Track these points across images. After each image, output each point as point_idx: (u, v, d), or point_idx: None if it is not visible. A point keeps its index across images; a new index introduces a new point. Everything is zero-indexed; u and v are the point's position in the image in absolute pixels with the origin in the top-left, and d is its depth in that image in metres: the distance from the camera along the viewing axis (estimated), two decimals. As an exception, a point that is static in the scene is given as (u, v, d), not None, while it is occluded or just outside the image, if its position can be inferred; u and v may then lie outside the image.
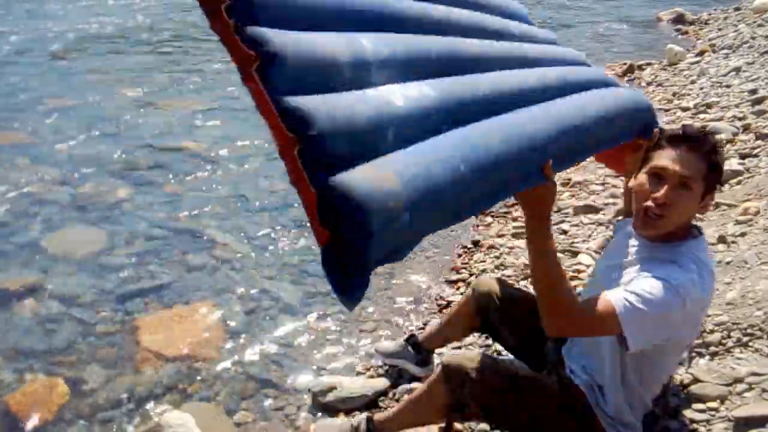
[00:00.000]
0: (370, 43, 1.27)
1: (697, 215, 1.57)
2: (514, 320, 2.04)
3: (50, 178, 4.14)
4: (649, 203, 1.47)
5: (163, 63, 6.99)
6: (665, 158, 1.47)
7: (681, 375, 1.99)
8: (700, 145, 1.46)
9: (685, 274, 1.42)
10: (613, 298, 1.41)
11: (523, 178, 1.42)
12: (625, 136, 1.82)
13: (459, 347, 2.47)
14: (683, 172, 1.44)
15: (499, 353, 2.33)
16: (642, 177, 1.52)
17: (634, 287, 1.42)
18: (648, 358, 1.55)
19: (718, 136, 3.98)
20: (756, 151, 3.64)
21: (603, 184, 3.86)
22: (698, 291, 1.43)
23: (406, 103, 1.24)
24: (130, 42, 7.90)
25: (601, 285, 1.56)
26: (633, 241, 1.62)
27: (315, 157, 1.07)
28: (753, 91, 4.64)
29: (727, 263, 2.46)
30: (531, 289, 2.74)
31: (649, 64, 6.92)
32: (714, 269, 1.52)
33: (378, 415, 2.00)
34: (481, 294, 2.11)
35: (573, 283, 2.75)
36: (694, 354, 2.08)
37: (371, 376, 2.42)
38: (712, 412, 1.83)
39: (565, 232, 3.34)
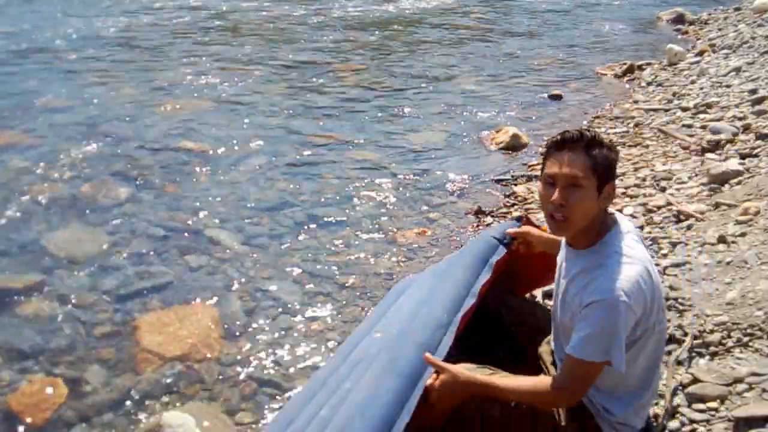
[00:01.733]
0: None
1: (606, 207, 1.62)
2: (511, 322, 2.05)
3: (50, 178, 4.14)
4: (550, 208, 1.57)
5: (163, 63, 6.99)
6: (551, 165, 1.58)
7: (681, 375, 1.99)
8: (578, 143, 1.55)
9: (614, 273, 1.50)
10: (573, 353, 1.52)
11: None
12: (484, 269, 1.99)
13: (457, 349, 2.46)
14: (568, 172, 1.53)
15: (498, 354, 2.33)
16: (540, 187, 1.63)
17: (584, 327, 1.51)
18: (631, 354, 1.57)
19: (718, 136, 3.98)
20: (756, 151, 3.64)
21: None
22: (631, 273, 1.49)
23: None
24: (130, 42, 7.90)
25: (556, 310, 1.72)
26: (566, 255, 1.70)
27: None
28: (753, 91, 4.64)
29: (727, 263, 2.46)
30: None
31: (649, 64, 6.92)
32: (638, 248, 1.57)
33: None
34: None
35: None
36: (694, 354, 2.07)
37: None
38: (712, 412, 1.83)
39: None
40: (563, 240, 1.75)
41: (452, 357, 1.77)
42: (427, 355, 1.64)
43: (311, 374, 2.25)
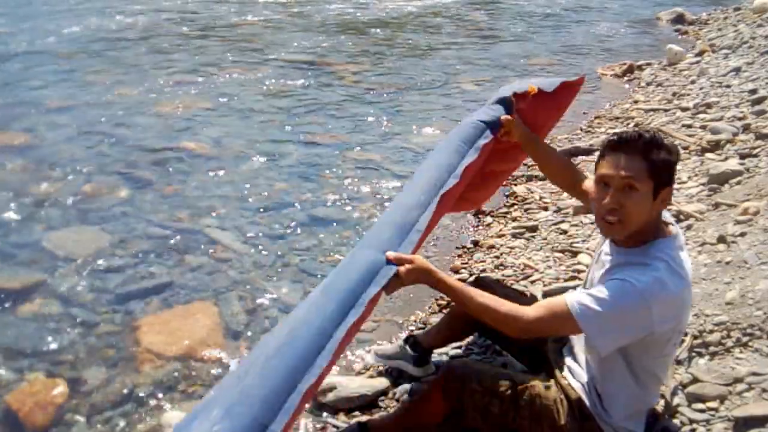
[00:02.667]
0: None
1: (661, 212, 1.59)
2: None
3: (50, 178, 4.14)
4: (602, 210, 1.53)
5: (163, 63, 6.99)
6: (606, 165, 1.53)
7: (681, 375, 1.99)
8: (636, 145, 1.50)
9: (652, 274, 1.45)
10: (568, 299, 1.50)
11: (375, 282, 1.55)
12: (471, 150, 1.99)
13: (459, 347, 2.47)
14: (624, 175, 1.49)
15: (499, 353, 2.34)
16: (593, 188, 1.59)
17: (592, 290, 1.49)
18: (635, 356, 1.56)
19: (717, 136, 3.98)
20: (756, 151, 3.63)
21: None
22: (668, 288, 1.44)
23: None
24: (130, 42, 7.91)
25: None
26: (608, 250, 1.65)
27: None
28: (753, 91, 4.64)
29: (727, 263, 2.46)
30: (530, 289, 2.76)
31: (649, 64, 6.92)
32: (687, 266, 1.53)
33: (373, 421, 2.00)
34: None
35: (573, 282, 2.76)
36: (694, 354, 2.08)
37: (371, 376, 2.42)
38: (712, 412, 1.83)
39: (564, 232, 3.34)
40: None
41: (458, 357, 1.78)
42: (389, 253, 1.61)
43: None
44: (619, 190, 1.50)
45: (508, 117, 2.07)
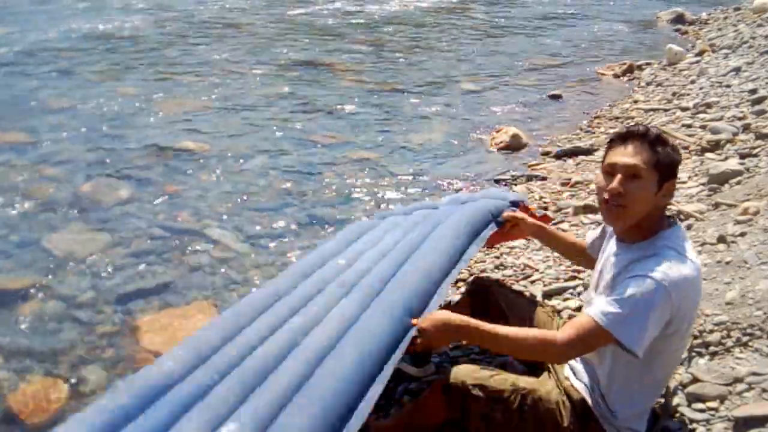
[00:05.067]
0: None
1: (664, 206, 1.61)
2: (513, 321, 2.04)
3: (50, 178, 4.14)
4: (606, 195, 1.56)
5: (164, 63, 6.99)
6: (613, 155, 1.58)
7: (681, 375, 1.99)
8: (644, 138, 1.55)
9: (664, 261, 1.47)
10: (592, 312, 1.49)
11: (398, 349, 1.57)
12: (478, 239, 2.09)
13: (458, 346, 2.47)
14: (630, 162, 1.53)
15: (500, 353, 2.34)
16: (599, 176, 1.62)
17: (611, 296, 1.49)
18: (645, 352, 1.55)
19: (717, 136, 3.98)
20: (756, 151, 3.63)
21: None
22: (682, 271, 1.46)
23: None
24: (130, 42, 7.91)
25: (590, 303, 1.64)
26: (615, 249, 1.66)
27: None
28: (753, 91, 4.64)
29: (727, 263, 2.46)
30: (530, 289, 2.76)
31: (648, 64, 6.93)
32: (694, 258, 1.54)
33: (373, 422, 2.00)
34: (480, 294, 2.12)
35: (573, 282, 2.76)
36: (694, 354, 2.07)
37: (371, 376, 2.42)
38: (712, 412, 1.82)
39: (564, 232, 3.34)
40: (612, 234, 1.71)
41: (453, 356, 1.78)
42: (414, 321, 1.64)
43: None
44: (624, 177, 1.53)
45: (519, 215, 2.17)
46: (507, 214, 2.19)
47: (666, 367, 1.63)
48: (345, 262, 1.99)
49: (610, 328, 1.45)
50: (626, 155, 1.54)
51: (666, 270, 1.44)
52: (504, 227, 2.19)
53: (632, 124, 1.62)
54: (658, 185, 1.53)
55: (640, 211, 1.54)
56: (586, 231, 3.28)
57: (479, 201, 2.31)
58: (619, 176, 1.53)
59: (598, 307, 1.49)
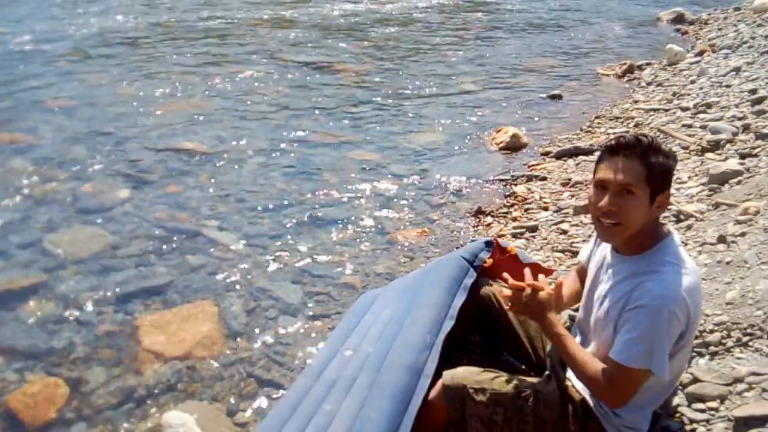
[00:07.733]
0: None
1: (659, 216, 1.60)
2: (513, 321, 2.05)
3: (51, 178, 4.14)
4: (598, 213, 1.55)
5: (164, 63, 6.99)
6: (604, 169, 1.55)
7: (681, 375, 1.99)
8: (635, 150, 1.51)
9: (663, 281, 1.48)
10: (615, 356, 1.51)
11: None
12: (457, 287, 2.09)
13: (459, 346, 2.46)
14: (621, 179, 1.50)
15: (500, 353, 2.33)
16: (591, 191, 1.60)
17: (623, 333, 1.50)
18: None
19: (717, 136, 3.98)
20: (756, 151, 3.63)
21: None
22: (682, 288, 1.47)
23: None
24: (130, 43, 7.91)
25: (589, 313, 1.71)
26: (611, 260, 1.66)
27: None
28: (753, 91, 4.64)
29: (727, 263, 2.46)
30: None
31: (649, 64, 6.93)
32: (692, 264, 1.56)
33: None
34: (481, 295, 2.11)
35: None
36: (694, 354, 2.07)
37: (371, 376, 2.42)
38: (712, 412, 1.83)
39: (564, 232, 3.33)
40: (608, 245, 1.70)
41: (454, 356, 1.78)
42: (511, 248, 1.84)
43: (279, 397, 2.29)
44: (616, 193, 1.51)
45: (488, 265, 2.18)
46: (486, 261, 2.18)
47: (675, 370, 1.64)
48: (352, 352, 2.02)
49: (642, 366, 1.47)
50: (617, 171, 1.51)
51: (669, 292, 1.46)
52: (480, 268, 2.16)
53: (622, 134, 1.59)
54: (651, 199, 1.51)
55: (635, 226, 1.53)
56: (586, 231, 3.28)
57: (449, 255, 2.30)
58: (608, 195, 1.52)
59: (616, 349, 1.50)
